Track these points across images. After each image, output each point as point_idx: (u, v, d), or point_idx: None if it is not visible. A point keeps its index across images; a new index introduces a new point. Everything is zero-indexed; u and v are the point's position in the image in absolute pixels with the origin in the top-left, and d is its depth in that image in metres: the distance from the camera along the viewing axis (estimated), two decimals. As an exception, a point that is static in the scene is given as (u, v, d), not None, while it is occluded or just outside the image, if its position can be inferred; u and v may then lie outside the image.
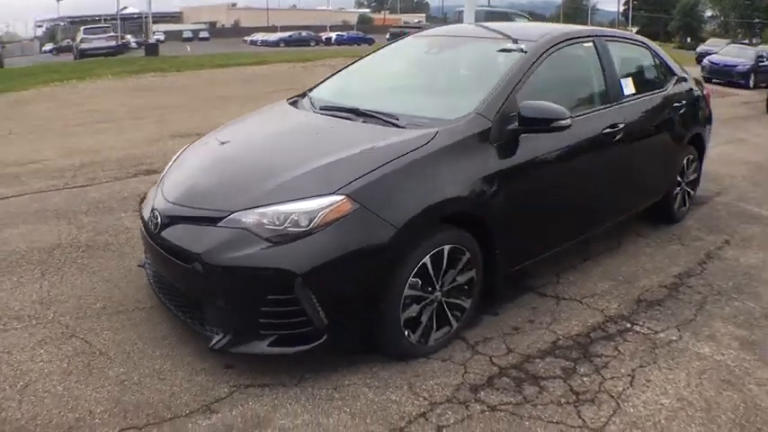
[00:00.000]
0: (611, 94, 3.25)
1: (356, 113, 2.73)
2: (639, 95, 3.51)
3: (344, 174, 2.18)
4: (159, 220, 2.32)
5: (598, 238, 3.62)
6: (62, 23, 50.88)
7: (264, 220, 2.08)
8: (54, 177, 4.82)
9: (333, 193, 2.10)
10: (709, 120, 4.40)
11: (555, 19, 59.77)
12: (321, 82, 3.48)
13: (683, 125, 3.91)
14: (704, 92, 4.40)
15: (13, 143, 6.41)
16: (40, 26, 46.55)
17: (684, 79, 4.14)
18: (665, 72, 4.00)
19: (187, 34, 54.50)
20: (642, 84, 3.67)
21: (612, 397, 2.13)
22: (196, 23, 66.85)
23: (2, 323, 2.53)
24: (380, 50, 3.73)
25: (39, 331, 2.46)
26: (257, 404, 2.04)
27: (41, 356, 2.29)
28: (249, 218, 2.11)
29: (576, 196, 3.03)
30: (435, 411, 2.02)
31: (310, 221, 2.05)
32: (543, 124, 2.52)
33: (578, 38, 3.26)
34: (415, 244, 2.20)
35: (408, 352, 2.32)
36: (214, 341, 2.15)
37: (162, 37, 55.05)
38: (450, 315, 2.44)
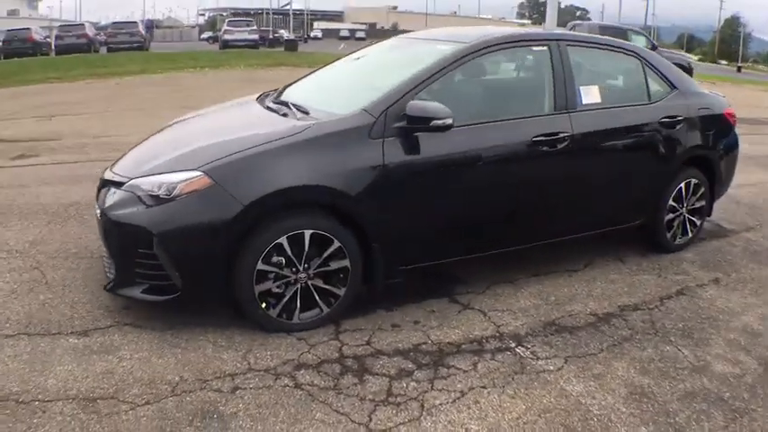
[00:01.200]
0: (559, 102, 3.09)
1: (286, 106, 3.01)
2: (607, 106, 3.28)
3: (213, 154, 2.48)
4: (100, 183, 2.85)
5: (568, 255, 3.48)
6: (224, 14, 57.23)
7: (145, 187, 2.47)
8: (113, 150, 5.76)
9: (193, 170, 2.42)
10: (727, 143, 3.90)
11: (712, 44, 53.04)
12: (297, 80, 3.75)
13: (677, 144, 3.55)
14: (723, 111, 3.88)
15: (104, 120, 7.62)
16: (202, 14, 53.04)
17: (691, 95, 3.71)
18: (659, 85, 3.62)
19: (344, 33, 57.32)
20: (616, 94, 3.44)
21: (422, 407, 2.13)
22: (356, 23, 70.62)
23: None
24: (358, 51, 3.91)
25: (15, 261, 3.15)
26: (120, 336, 2.45)
27: (4, 278, 2.97)
28: (137, 184, 2.51)
29: (490, 204, 2.94)
30: (246, 375, 2.24)
31: (172, 191, 2.39)
32: (423, 123, 2.56)
33: (523, 41, 3.20)
34: (265, 223, 2.42)
35: (268, 324, 2.55)
36: (106, 283, 2.62)
37: (320, 34, 59.16)
38: (318, 299, 2.61)
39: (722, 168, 3.86)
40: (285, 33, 44.17)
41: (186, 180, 2.39)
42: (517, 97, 3.19)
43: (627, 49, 3.65)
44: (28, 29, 24.63)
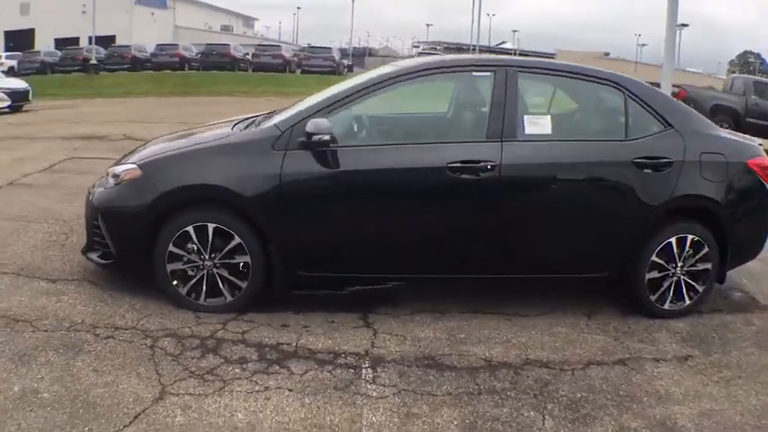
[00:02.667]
0: (492, 130, 2.99)
1: (254, 121, 3.53)
2: (560, 139, 3.07)
3: (154, 152, 3.16)
4: None
5: (532, 300, 3.34)
6: (438, 48, 61.52)
7: (111, 174, 3.26)
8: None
9: (132, 163, 3.12)
10: (749, 198, 3.31)
11: None
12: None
13: (660, 190, 3.14)
14: (746, 160, 3.28)
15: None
16: (416, 47, 57.36)
17: (694, 136, 3.22)
18: (647, 121, 3.20)
19: None
20: (579, 127, 3.21)
21: (221, 388, 2.39)
22: None
23: (26, 219, 4.42)
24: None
25: (55, 227, 4.25)
26: (74, 287, 3.23)
27: (38, 237, 4.03)
28: (110, 171, 3.30)
29: (397, 225, 2.98)
30: (125, 330, 2.79)
31: (118, 178, 3.13)
32: (309, 138, 2.81)
33: (464, 67, 3.23)
34: (176, 212, 2.96)
35: (179, 300, 3.06)
36: (83, 247, 3.47)
37: None
38: (222, 287, 3.04)
39: (741, 228, 3.32)
40: None
41: (126, 170, 3.12)
42: (443, 123, 3.18)
43: (607, 80, 3.30)
44: (227, 45, 29.59)
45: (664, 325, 3.19)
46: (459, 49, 54.52)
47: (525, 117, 3.07)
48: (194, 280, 3.04)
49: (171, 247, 3.00)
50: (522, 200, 3.07)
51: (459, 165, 2.93)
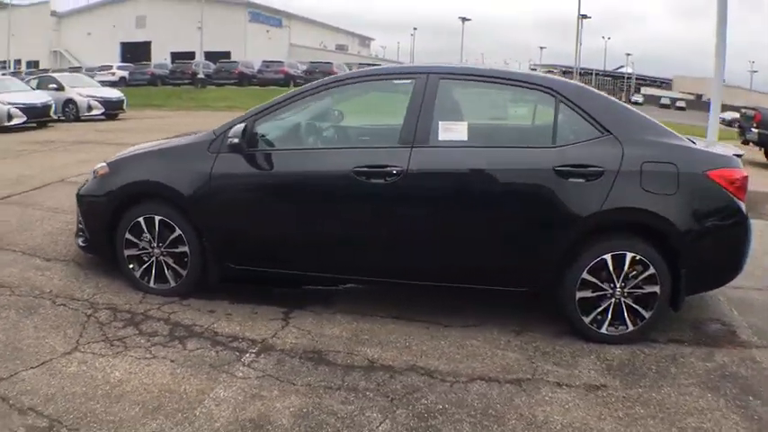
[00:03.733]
0: (404, 136, 3.14)
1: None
2: (474, 145, 3.13)
3: (124, 153, 3.78)
4: None
5: (461, 311, 3.40)
6: (554, 70, 60.56)
7: (93, 169, 3.94)
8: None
9: (104, 161, 3.77)
10: (710, 215, 3.09)
11: None
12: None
13: (588, 201, 3.02)
14: (705, 171, 3.07)
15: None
16: (533, 69, 56.81)
17: (637, 144, 3.08)
18: (580, 127, 3.10)
19: (665, 101, 58.29)
20: (501, 133, 3.27)
21: (118, 353, 2.85)
22: (683, 93, 66.09)
23: (56, 210, 5.25)
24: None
25: (63, 216, 5.13)
26: (61, 266, 3.93)
27: (59, 222, 4.87)
28: (95, 167, 4.00)
29: (310, 225, 3.24)
30: (77, 301, 3.38)
31: (95, 173, 3.80)
32: (227, 140, 3.25)
33: (385, 75, 3.48)
34: (130, 204, 3.52)
35: (134, 282, 3.59)
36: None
37: (640, 99, 59.18)
38: (167, 274, 3.57)
39: (701, 248, 3.08)
40: None
41: (101, 167, 3.77)
42: (363, 129, 3.38)
43: (539, 85, 3.25)
44: (330, 63, 31.15)
45: (598, 350, 3.05)
46: (583, 73, 53.54)
47: (440, 123, 3.14)
48: (146, 265, 3.60)
49: (127, 235, 3.57)
50: (429, 206, 3.13)
51: (365, 169, 3.11)
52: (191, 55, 38.18)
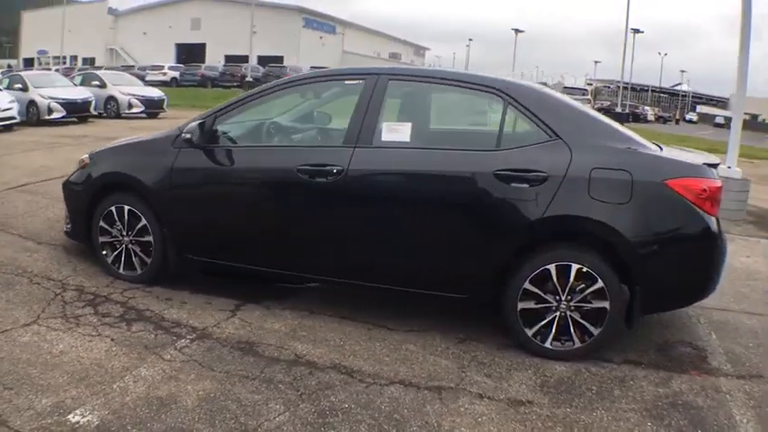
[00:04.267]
0: (349, 136, 3.27)
1: None
2: (415, 146, 3.23)
3: (104, 146, 4.17)
4: None
5: (411, 316, 3.49)
6: (610, 86, 59.43)
7: (78, 159, 4.33)
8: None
9: (87, 153, 4.15)
10: (670, 228, 3.02)
11: None
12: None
13: (528, 208, 2.98)
14: (664, 180, 2.96)
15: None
16: (589, 84, 55.87)
17: (587, 149, 3.00)
18: (528, 130, 3.12)
19: (719, 120, 57.13)
20: (444, 135, 3.39)
21: (71, 328, 3.17)
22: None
23: (60, 199, 5.73)
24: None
25: None
26: (48, 249, 4.33)
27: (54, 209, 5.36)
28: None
29: (257, 222, 3.46)
30: (50, 281, 3.75)
31: (80, 164, 4.18)
32: (182, 136, 3.55)
33: (336, 76, 3.64)
34: (101, 195, 3.86)
35: (107, 268, 3.92)
36: None
37: (695, 118, 58.85)
38: (134, 261, 3.89)
39: (660, 262, 2.96)
40: (650, 111, 44.61)
41: (84, 158, 4.15)
42: (316, 128, 3.57)
43: (489, 87, 3.23)
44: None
45: (539, 365, 3.01)
46: (633, 89, 52.55)
47: (384, 124, 3.23)
48: (116, 252, 3.93)
49: (101, 223, 3.91)
50: (368, 207, 3.23)
51: (308, 168, 3.27)
52: (244, 58, 39.45)
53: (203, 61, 43.56)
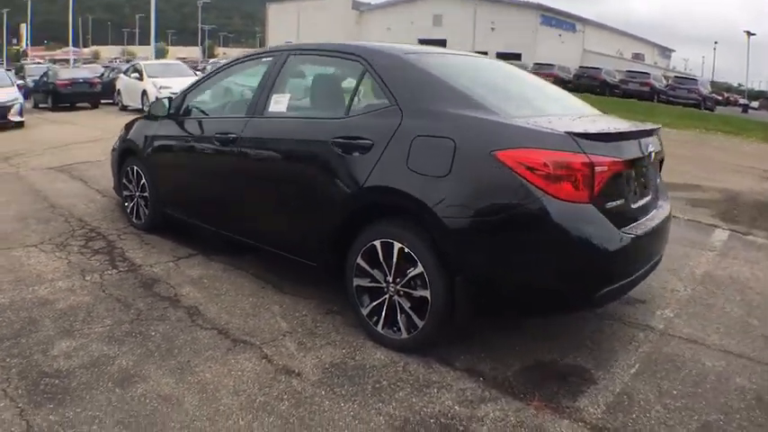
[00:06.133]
0: (251, 107, 3.76)
1: None
2: (285, 116, 3.57)
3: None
4: None
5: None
6: None
7: None
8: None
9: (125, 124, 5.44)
10: (464, 202, 2.64)
11: None
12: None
13: (353, 178, 2.99)
14: (494, 150, 2.57)
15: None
16: None
17: (420, 114, 2.86)
18: (377, 97, 3.16)
19: None
20: (311, 104, 3.64)
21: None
22: None
23: None
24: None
25: None
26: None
27: None
28: None
29: (197, 185, 4.18)
30: (76, 220, 5.13)
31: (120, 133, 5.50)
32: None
33: (256, 56, 4.14)
34: (123, 158, 5.07)
35: (126, 216, 5.19)
36: None
37: None
38: (140, 210, 4.98)
39: (479, 254, 2.65)
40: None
41: (121, 129, 5.43)
42: (231, 101, 4.28)
43: (351, 54, 3.34)
44: (647, 73, 29.20)
45: (357, 348, 2.99)
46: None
47: (273, 96, 3.61)
48: (132, 204, 5.07)
49: (123, 180, 5.14)
50: (246, 170, 3.68)
51: (218, 135, 3.88)
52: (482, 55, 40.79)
53: (442, 57, 46.35)
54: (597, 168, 2.56)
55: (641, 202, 3.06)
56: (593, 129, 2.83)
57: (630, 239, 2.73)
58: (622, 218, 2.79)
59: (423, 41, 56.25)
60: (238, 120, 3.88)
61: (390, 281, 2.91)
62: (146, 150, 4.76)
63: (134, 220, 5.02)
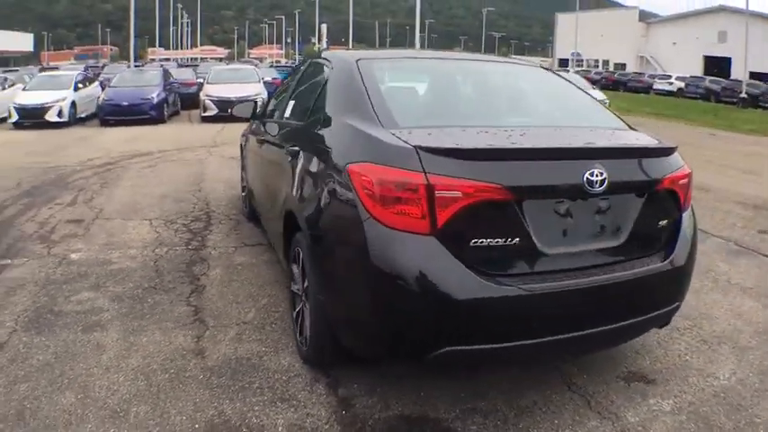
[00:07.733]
0: (279, 113, 4.33)
1: None
2: (289, 121, 3.92)
3: None
4: None
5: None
6: None
7: None
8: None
9: None
10: (332, 216, 2.57)
11: None
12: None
13: (286, 181, 3.28)
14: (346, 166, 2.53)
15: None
16: None
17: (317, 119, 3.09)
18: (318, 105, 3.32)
19: None
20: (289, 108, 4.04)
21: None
22: None
23: None
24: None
25: None
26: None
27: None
28: None
29: (260, 181, 4.67)
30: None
31: None
32: None
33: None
34: (240, 149, 6.13)
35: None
36: None
37: None
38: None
39: (319, 274, 2.60)
40: None
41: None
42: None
43: (324, 59, 3.66)
44: None
45: (281, 351, 3.20)
46: None
47: (290, 102, 4.21)
48: (244, 193, 6.13)
49: (241, 171, 6.24)
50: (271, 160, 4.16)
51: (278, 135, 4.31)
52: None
53: (727, 76, 41.48)
54: (440, 193, 2.18)
55: (571, 249, 2.43)
56: (491, 143, 2.39)
57: (518, 293, 2.23)
58: (507, 263, 2.31)
59: (708, 58, 50.96)
60: (275, 123, 4.36)
61: (301, 289, 2.95)
62: (243, 144, 5.74)
63: (244, 208, 5.94)
